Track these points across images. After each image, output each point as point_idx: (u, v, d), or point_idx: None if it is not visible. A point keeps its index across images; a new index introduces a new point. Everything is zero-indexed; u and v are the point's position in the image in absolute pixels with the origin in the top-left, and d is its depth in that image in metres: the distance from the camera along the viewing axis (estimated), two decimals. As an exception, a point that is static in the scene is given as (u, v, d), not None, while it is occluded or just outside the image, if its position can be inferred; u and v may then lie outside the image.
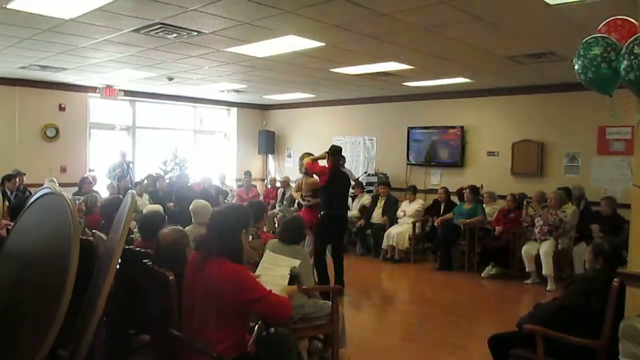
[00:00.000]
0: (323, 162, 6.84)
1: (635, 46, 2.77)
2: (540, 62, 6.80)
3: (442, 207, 8.99)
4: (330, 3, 4.49)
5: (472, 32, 5.43)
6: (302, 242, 5.16)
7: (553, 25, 5.11)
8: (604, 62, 2.95)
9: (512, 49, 6.22)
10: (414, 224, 8.77)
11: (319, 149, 12.05)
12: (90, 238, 3.90)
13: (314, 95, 11.34)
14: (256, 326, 2.82)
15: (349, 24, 5.21)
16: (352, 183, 9.05)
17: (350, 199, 9.70)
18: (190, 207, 5.28)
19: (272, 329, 2.84)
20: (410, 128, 10.48)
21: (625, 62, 2.81)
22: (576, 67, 3.10)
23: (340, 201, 6.76)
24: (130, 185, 9.46)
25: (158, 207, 6.09)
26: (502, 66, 7.17)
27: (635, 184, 3.08)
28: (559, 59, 6.52)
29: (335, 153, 6.74)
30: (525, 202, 7.83)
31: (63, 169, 10.08)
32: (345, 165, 10.39)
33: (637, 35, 2.84)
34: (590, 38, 3.06)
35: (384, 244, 8.92)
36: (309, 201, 7.42)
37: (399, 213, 9.26)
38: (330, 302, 4.28)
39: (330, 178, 6.57)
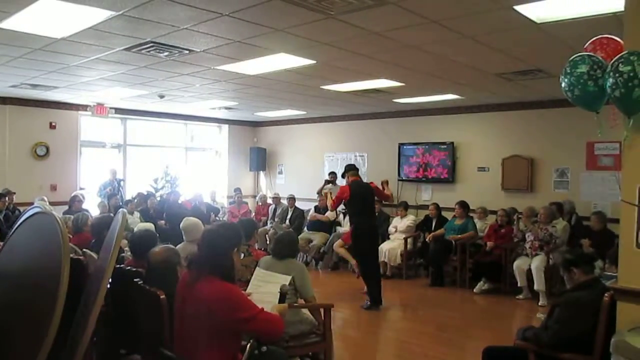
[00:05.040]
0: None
1: (621, 64, 2.82)
2: (529, 79, 6.88)
3: (434, 223, 9.02)
4: (321, 22, 4.53)
5: (461, 50, 5.49)
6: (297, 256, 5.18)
7: (540, 44, 5.18)
8: (591, 80, 2.99)
9: (501, 67, 6.29)
10: (405, 239, 8.78)
11: (310, 165, 12.24)
12: (81, 257, 3.87)
13: (305, 112, 11.39)
14: (248, 345, 2.80)
15: (340, 42, 5.25)
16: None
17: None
18: (181, 225, 5.25)
19: (265, 348, 2.82)
20: (401, 144, 10.54)
21: (611, 80, 2.85)
22: (563, 84, 3.14)
23: (368, 211, 7.11)
24: (120, 204, 9.41)
25: (149, 226, 6.07)
26: (491, 83, 7.25)
27: (623, 199, 3.11)
28: (546, 76, 6.61)
29: (348, 171, 7.21)
30: (515, 218, 7.86)
31: (53, 188, 10.02)
32: (337, 182, 10.42)
33: (622, 54, 2.89)
34: (577, 56, 3.10)
35: (376, 260, 8.90)
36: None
37: (391, 229, 9.26)
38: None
39: (352, 193, 6.94)
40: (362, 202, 7.03)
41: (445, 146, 9.94)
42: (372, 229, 7.11)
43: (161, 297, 3.21)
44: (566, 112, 7.90)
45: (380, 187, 7.23)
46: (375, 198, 7.36)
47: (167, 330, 3.14)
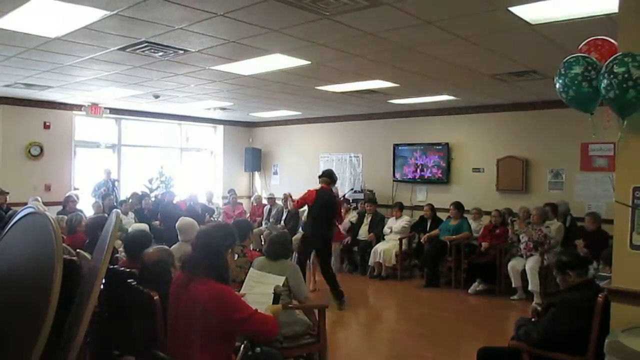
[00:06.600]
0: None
1: (615, 65, 2.82)
2: (523, 80, 6.89)
3: (429, 224, 9.03)
4: (316, 22, 4.53)
5: (456, 51, 5.49)
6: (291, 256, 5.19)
7: (535, 45, 5.19)
8: (585, 81, 2.99)
9: (496, 68, 6.31)
10: (400, 240, 8.79)
11: (305, 166, 12.22)
12: (74, 258, 3.85)
13: (300, 113, 11.38)
14: (242, 346, 2.79)
15: (335, 42, 5.25)
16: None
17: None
18: (177, 224, 5.25)
19: (259, 349, 2.81)
20: (396, 145, 10.54)
21: (605, 81, 2.86)
22: (557, 85, 3.14)
23: (324, 221, 7.11)
24: (115, 204, 9.38)
25: (144, 226, 6.04)
26: (485, 84, 7.26)
27: (617, 200, 3.12)
28: (541, 77, 6.62)
29: (321, 176, 7.38)
30: (510, 221, 7.86)
31: (47, 188, 9.97)
32: (335, 184, 10.36)
33: (617, 55, 2.89)
34: (571, 57, 3.11)
35: (371, 261, 8.90)
36: None
37: (386, 230, 9.25)
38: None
39: (316, 199, 7.04)
40: (321, 211, 7.04)
41: (440, 147, 9.95)
42: (319, 237, 7.08)
43: (155, 298, 3.19)
44: (560, 113, 7.89)
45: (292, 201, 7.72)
46: None
47: (160, 331, 3.13)
